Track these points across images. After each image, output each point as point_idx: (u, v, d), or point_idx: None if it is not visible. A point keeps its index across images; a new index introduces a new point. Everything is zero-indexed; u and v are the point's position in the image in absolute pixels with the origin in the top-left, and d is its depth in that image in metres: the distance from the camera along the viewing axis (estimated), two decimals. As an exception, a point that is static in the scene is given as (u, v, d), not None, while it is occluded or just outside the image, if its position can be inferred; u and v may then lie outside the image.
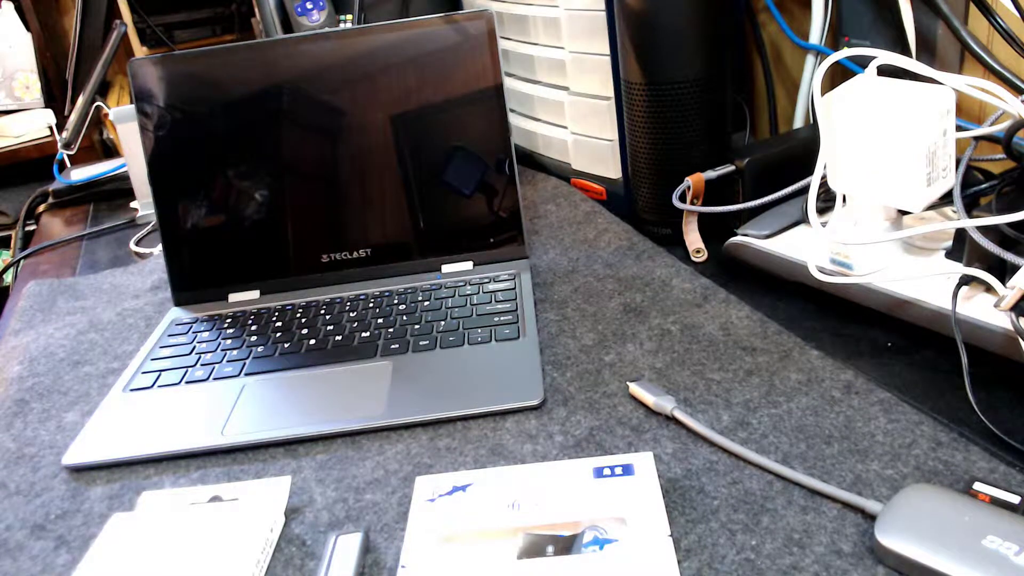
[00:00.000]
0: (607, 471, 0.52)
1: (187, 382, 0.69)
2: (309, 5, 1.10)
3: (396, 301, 0.76)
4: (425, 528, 0.50)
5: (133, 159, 1.10)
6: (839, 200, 0.65)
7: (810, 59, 0.91)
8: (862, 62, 0.77)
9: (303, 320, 0.76)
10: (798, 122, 0.95)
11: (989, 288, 0.59)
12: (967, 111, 0.77)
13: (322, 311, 0.77)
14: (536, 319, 0.71)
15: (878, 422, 0.55)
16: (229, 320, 0.78)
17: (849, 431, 0.54)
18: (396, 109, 0.80)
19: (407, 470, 0.57)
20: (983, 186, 0.65)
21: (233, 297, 0.82)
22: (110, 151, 1.54)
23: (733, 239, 0.74)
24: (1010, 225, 0.57)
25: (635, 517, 0.48)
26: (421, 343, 0.69)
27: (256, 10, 1.15)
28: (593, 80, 0.89)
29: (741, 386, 0.60)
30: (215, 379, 0.69)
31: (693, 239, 0.81)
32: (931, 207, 0.66)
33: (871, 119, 0.59)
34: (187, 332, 0.77)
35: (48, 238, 1.14)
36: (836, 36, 0.85)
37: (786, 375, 0.61)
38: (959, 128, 0.63)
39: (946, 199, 0.62)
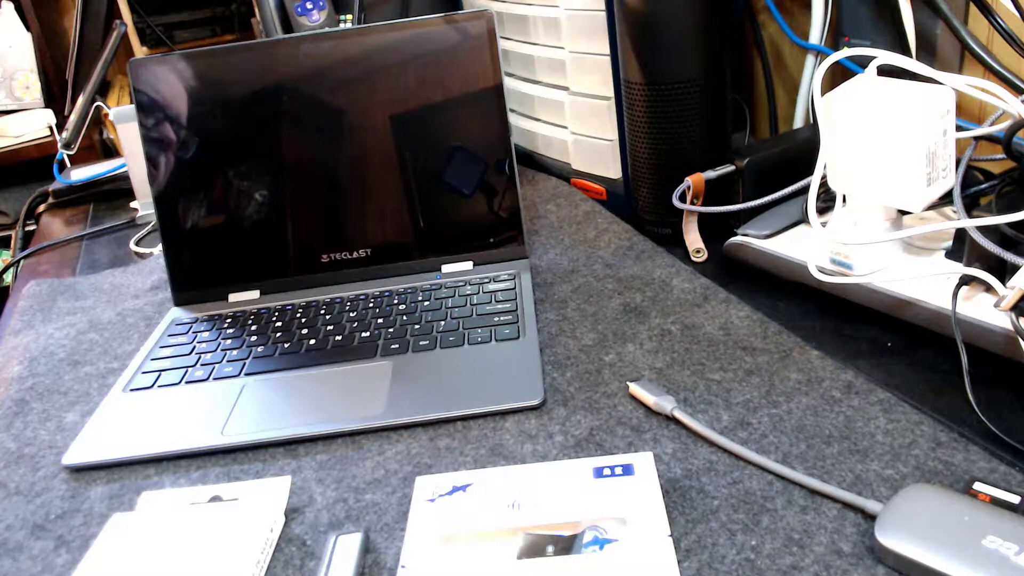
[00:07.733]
0: (607, 471, 0.52)
1: (187, 382, 0.69)
2: (309, 5, 1.10)
3: (396, 301, 0.76)
4: (425, 528, 0.50)
5: (133, 159, 1.10)
6: (839, 200, 0.65)
7: (810, 59, 0.91)
8: (862, 62, 0.77)
9: (303, 320, 0.76)
10: (798, 122, 0.95)
11: (989, 288, 0.59)
12: (967, 111, 0.77)
13: (322, 311, 0.77)
14: (536, 319, 0.71)
15: (878, 422, 0.55)
16: (229, 320, 0.78)
17: (849, 431, 0.54)
18: (396, 109, 0.80)
19: (407, 470, 0.57)
20: (983, 186, 0.65)
21: (233, 297, 0.82)
22: (110, 151, 1.54)
23: (733, 239, 0.74)
24: (1010, 225, 0.57)
25: (635, 517, 0.48)
26: (421, 343, 0.69)
27: (256, 10, 1.15)
28: (593, 80, 0.89)
29: (741, 386, 0.60)
30: (215, 379, 0.69)
31: (693, 239, 0.81)
32: (931, 207, 0.66)
33: (871, 119, 0.59)
34: (187, 332, 0.77)
35: (48, 238, 1.14)
36: (836, 36, 0.85)
37: (786, 375, 0.61)
38: (959, 128, 0.63)
39: (946, 199, 0.62)
